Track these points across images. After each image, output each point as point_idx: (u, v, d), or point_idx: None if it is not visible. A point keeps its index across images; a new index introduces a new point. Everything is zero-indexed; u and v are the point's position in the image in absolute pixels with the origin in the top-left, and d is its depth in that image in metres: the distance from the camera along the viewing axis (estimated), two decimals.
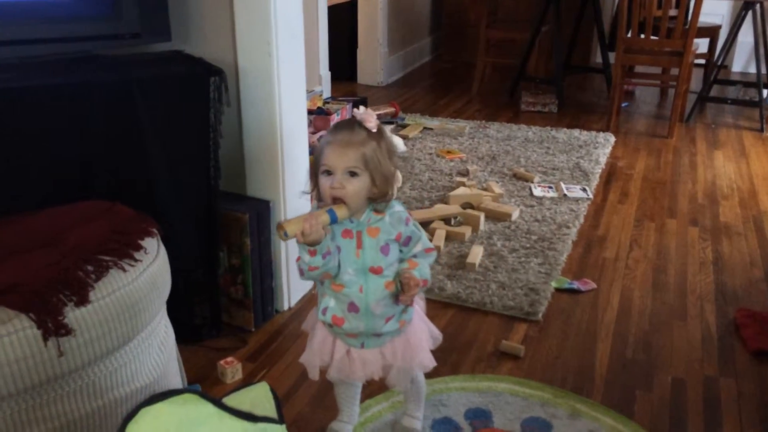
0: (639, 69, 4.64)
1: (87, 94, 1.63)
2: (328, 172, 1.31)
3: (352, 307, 1.38)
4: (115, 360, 1.43)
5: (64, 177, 1.65)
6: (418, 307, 1.51)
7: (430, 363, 1.49)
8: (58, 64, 1.74)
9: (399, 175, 3.17)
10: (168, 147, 1.77)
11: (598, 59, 5.28)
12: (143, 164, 1.75)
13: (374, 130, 1.32)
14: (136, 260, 1.45)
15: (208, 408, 0.82)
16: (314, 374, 1.48)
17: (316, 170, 1.35)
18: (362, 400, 1.68)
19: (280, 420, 0.90)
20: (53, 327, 1.26)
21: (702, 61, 4.60)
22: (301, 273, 1.35)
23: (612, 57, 4.30)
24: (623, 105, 4.51)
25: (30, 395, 1.30)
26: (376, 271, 1.36)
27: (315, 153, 1.36)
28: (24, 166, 1.59)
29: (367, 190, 1.32)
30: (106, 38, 1.81)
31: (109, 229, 1.49)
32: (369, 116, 1.33)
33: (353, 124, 1.33)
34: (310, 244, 1.28)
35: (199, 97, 1.78)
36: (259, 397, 1.05)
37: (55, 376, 1.31)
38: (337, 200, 1.31)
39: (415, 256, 1.41)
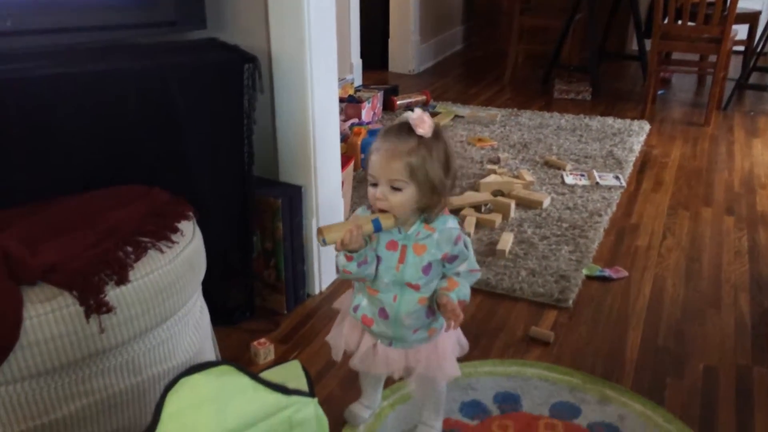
0: (676, 56, 4.56)
1: (124, 81, 1.67)
2: (374, 183, 1.27)
3: (383, 313, 1.37)
4: (153, 338, 1.48)
5: (104, 162, 1.70)
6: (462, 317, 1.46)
7: (453, 372, 1.45)
8: (95, 51, 1.78)
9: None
10: (203, 133, 1.81)
11: (634, 46, 5.20)
12: (179, 150, 1.79)
13: (427, 136, 1.24)
14: (173, 242, 1.49)
15: (244, 380, 0.85)
16: (338, 356, 1.50)
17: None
18: (391, 383, 1.71)
19: (312, 394, 0.93)
20: (95, 304, 1.30)
21: (741, 48, 4.50)
22: (337, 270, 1.35)
23: (648, 44, 4.23)
24: (659, 92, 4.44)
25: (72, 370, 1.36)
26: (413, 287, 1.34)
27: (365, 158, 1.31)
28: (65, 151, 1.64)
29: (413, 201, 1.26)
30: (143, 26, 1.86)
31: (147, 212, 1.54)
32: (421, 121, 1.23)
33: (403, 129, 1.25)
34: (349, 251, 1.27)
35: (234, 84, 1.82)
36: (291, 373, 1.08)
37: (96, 352, 1.36)
38: (383, 209, 1.28)
39: (458, 273, 1.35)
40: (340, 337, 1.49)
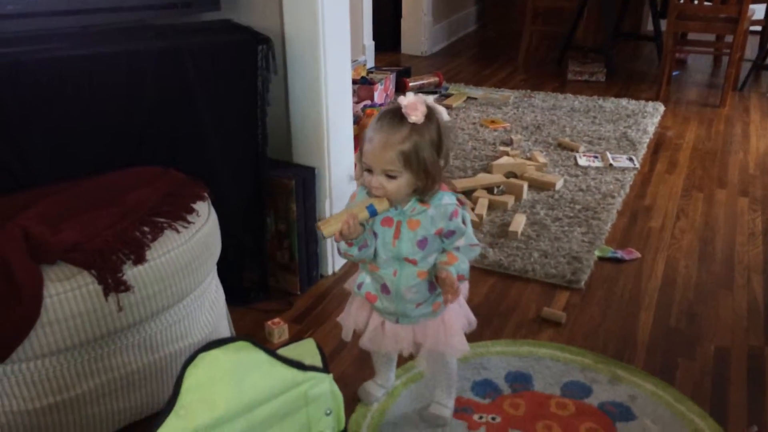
0: (692, 36, 4.50)
1: (141, 62, 1.69)
2: (369, 169, 1.29)
3: (385, 289, 1.40)
4: (170, 316, 1.50)
5: (121, 143, 1.72)
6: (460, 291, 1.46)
7: (462, 348, 1.46)
8: (112, 33, 1.80)
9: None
10: (218, 115, 1.82)
11: (649, 27, 5.13)
12: (195, 131, 1.81)
13: (419, 122, 1.25)
14: (189, 222, 1.51)
15: (261, 355, 0.87)
16: (347, 336, 1.52)
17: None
18: (404, 362, 1.73)
19: (326, 371, 0.95)
20: (113, 283, 1.33)
21: (758, 28, 4.43)
22: (339, 252, 1.38)
23: (664, 24, 4.18)
24: (674, 73, 4.39)
25: (92, 347, 1.39)
26: (411, 261, 1.36)
27: (360, 143, 1.32)
28: (83, 133, 1.66)
29: (408, 186, 1.29)
30: (159, 7, 1.87)
31: (164, 193, 1.56)
32: (413, 108, 1.25)
33: (395, 117, 1.26)
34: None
35: (248, 65, 1.82)
36: (306, 351, 1.10)
37: (114, 330, 1.39)
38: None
39: (457, 248, 1.37)
40: (350, 317, 1.51)
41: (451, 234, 1.35)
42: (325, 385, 0.92)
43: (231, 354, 0.84)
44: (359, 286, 1.45)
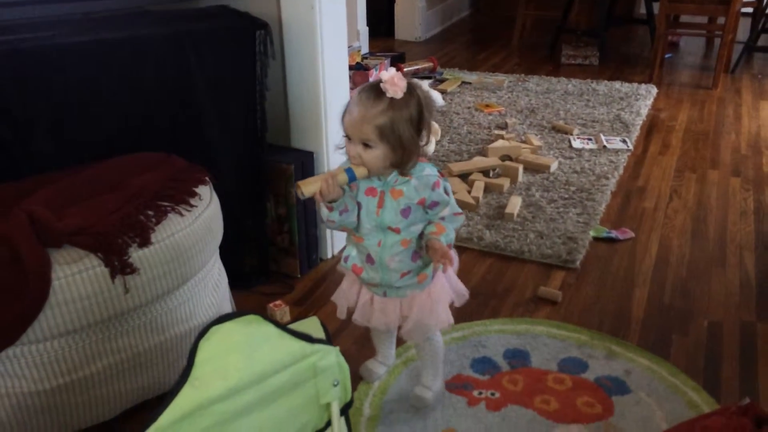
0: (684, 19, 4.52)
1: (142, 47, 1.70)
2: (348, 137, 1.33)
3: (369, 259, 1.43)
4: (175, 299, 1.53)
5: (122, 129, 1.74)
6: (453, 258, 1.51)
7: (447, 320, 1.49)
8: (111, 20, 1.81)
9: (437, 127, 3.20)
10: (217, 100, 1.84)
11: (642, 10, 5.15)
12: (195, 116, 1.83)
13: (398, 97, 1.27)
14: (191, 206, 1.54)
15: (270, 328, 0.90)
16: (342, 313, 1.55)
17: None
18: (404, 342, 1.76)
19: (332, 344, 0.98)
20: (119, 265, 1.36)
21: (749, 10, 4.46)
22: (322, 219, 1.41)
23: (656, 7, 4.20)
24: (667, 56, 4.42)
25: (99, 329, 1.42)
26: (394, 230, 1.38)
27: (342, 112, 1.35)
28: (84, 118, 1.68)
29: (385, 158, 1.31)
30: None
31: (166, 177, 1.58)
32: (391, 84, 1.26)
33: (375, 91, 1.28)
34: (329, 202, 1.33)
35: (246, 50, 1.84)
36: (310, 328, 1.13)
37: (121, 312, 1.42)
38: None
39: (442, 218, 1.40)
40: (342, 295, 1.55)
41: (434, 205, 1.38)
42: (332, 357, 0.95)
43: (242, 327, 0.87)
44: (345, 259, 1.49)
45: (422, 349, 1.60)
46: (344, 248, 1.52)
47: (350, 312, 1.55)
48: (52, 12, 1.71)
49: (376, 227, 1.39)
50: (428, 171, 1.37)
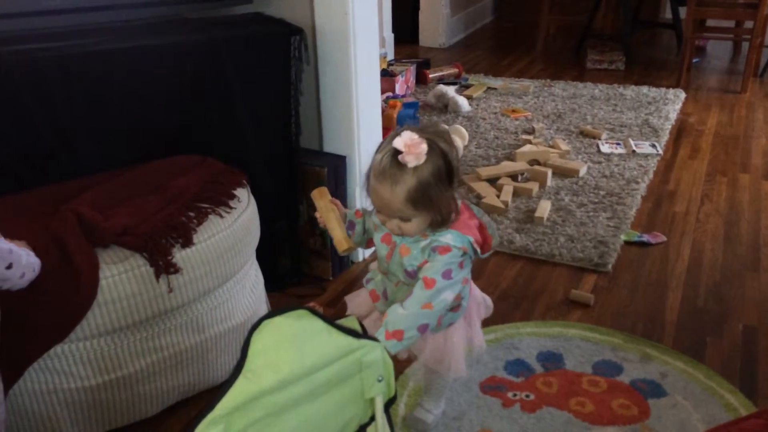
0: (711, 23, 4.49)
1: (181, 54, 1.74)
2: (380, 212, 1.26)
3: (385, 294, 1.42)
4: (215, 298, 1.56)
5: (161, 133, 1.78)
6: (475, 311, 1.44)
7: (459, 371, 1.40)
8: (149, 27, 1.85)
9: (464, 132, 3.21)
10: (252, 105, 1.88)
11: (668, 14, 5.13)
12: (231, 121, 1.86)
13: (421, 162, 1.17)
14: (231, 208, 1.57)
15: (319, 323, 0.92)
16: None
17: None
18: None
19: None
20: (164, 265, 1.39)
21: None
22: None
23: (683, 11, 4.18)
24: (694, 61, 4.39)
25: (144, 327, 1.45)
26: (411, 277, 1.31)
27: (366, 181, 1.27)
28: (126, 123, 1.72)
29: (425, 222, 1.24)
30: (194, 1, 1.93)
31: (205, 180, 1.62)
32: (409, 152, 1.16)
33: (396, 165, 1.18)
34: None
35: (281, 56, 1.87)
36: (349, 326, 1.15)
37: (164, 311, 1.45)
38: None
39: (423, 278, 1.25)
40: (356, 299, 1.51)
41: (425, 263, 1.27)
42: (377, 353, 0.97)
43: (292, 321, 0.90)
44: (368, 281, 1.48)
45: (429, 380, 1.56)
46: (373, 261, 1.51)
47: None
48: (94, 20, 1.76)
49: (389, 271, 1.37)
50: (445, 239, 1.26)
